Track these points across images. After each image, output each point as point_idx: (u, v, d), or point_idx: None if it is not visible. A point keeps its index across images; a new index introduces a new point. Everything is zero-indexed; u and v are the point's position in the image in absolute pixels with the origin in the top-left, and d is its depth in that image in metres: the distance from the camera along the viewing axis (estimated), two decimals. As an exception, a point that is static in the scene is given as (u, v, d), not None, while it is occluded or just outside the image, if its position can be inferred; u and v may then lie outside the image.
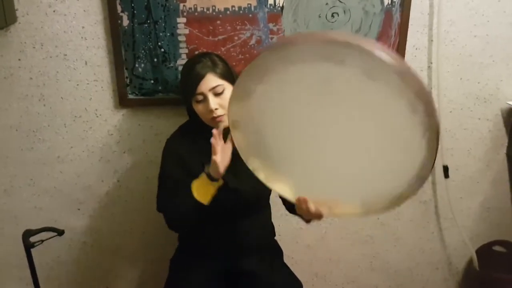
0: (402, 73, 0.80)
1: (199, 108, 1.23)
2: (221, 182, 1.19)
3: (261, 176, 1.09)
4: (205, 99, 1.20)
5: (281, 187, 1.10)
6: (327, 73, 0.86)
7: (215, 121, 1.20)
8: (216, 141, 1.15)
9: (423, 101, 0.81)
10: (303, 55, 0.85)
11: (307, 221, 1.21)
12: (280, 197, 1.34)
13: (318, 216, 1.07)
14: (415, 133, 0.85)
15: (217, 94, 1.20)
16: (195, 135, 1.30)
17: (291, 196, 1.09)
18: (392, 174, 0.93)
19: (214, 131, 1.15)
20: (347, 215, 1.06)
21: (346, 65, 0.82)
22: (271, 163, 1.06)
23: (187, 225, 1.30)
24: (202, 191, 1.19)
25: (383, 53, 0.79)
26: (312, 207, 1.05)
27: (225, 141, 1.18)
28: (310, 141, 0.98)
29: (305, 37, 0.90)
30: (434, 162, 0.88)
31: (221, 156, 1.15)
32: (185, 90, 1.25)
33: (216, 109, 1.19)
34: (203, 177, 1.18)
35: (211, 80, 1.20)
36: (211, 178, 1.17)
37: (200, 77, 1.19)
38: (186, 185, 1.20)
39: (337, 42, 0.81)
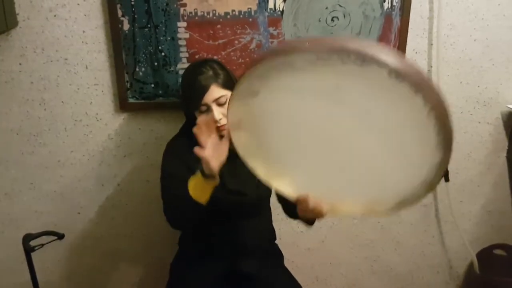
0: (416, 83, 0.78)
1: None
2: (217, 181, 1.16)
3: (261, 174, 1.07)
4: (209, 109, 1.22)
5: (282, 185, 1.08)
6: (337, 80, 0.84)
7: (219, 130, 1.20)
8: (201, 131, 1.13)
9: (436, 113, 0.78)
10: (309, 63, 0.83)
11: (310, 223, 1.21)
12: (280, 201, 1.34)
13: (320, 214, 1.06)
14: (427, 136, 0.81)
15: (220, 104, 1.21)
16: (194, 136, 1.30)
17: (292, 194, 1.08)
18: (399, 177, 0.91)
19: (198, 120, 1.15)
20: (348, 214, 1.05)
21: (355, 74, 0.79)
22: (272, 162, 1.05)
23: (188, 224, 1.29)
24: (198, 189, 1.16)
25: (397, 61, 0.77)
26: (313, 203, 1.03)
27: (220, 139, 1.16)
28: (313, 142, 0.96)
29: (312, 44, 0.86)
30: (445, 170, 0.86)
31: (213, 151, 1.12)
32: (189, 102, 1.26)
33: (220, 119, 1.20)
34: (198, 174, 1.16)
35: (215, 91, 1.21)
36: (205, 175, 1.14)
37: (205, 90, 1.20)
38: (186, 182, 1.19)
39: (348, 50, 0.78)
